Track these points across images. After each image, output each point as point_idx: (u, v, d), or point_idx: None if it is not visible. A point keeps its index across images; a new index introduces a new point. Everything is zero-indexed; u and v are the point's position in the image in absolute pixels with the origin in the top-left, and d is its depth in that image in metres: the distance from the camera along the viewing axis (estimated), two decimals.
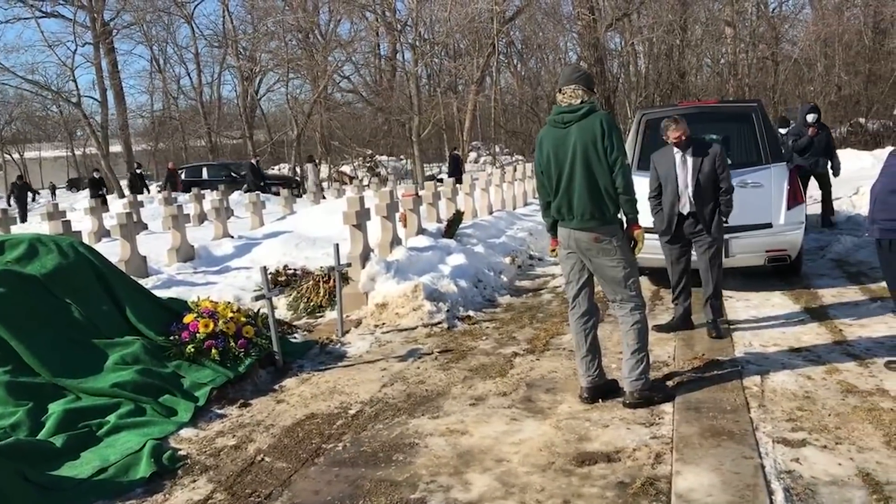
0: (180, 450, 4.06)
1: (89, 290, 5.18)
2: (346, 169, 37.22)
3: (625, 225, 4.20)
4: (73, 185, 45.77)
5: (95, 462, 3.83)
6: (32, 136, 56.37)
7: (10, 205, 21.58)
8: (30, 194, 23.98)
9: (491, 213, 11.80)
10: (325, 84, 33.81)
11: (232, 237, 10.79)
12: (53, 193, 33.79)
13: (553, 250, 4.51)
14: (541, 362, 5.23)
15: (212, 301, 5.48)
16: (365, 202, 7.69)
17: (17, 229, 13.17)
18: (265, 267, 5.60)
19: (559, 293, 7.57)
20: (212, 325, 5.15)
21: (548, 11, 32.05)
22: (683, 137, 5.48)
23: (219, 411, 4.63)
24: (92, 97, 37.69)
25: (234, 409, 4.69)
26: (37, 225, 16.31)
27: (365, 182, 27.80)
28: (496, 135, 34.87)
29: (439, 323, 6.48)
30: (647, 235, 4.40)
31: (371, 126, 41.35)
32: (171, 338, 5.15)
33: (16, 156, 55.19)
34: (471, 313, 6.80)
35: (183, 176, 25.43)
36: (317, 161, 28.31)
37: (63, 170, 55.62)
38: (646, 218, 4.88)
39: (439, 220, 9.73)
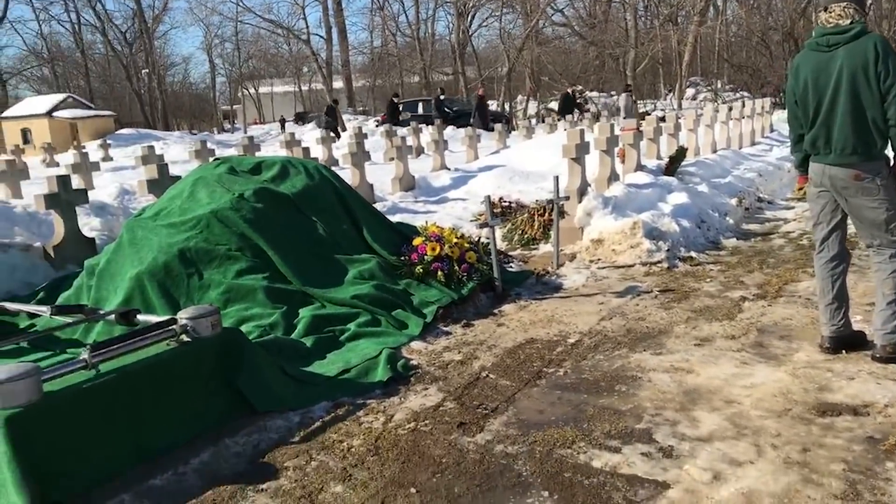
0: (412, 360, 4.36)
1: (332, 210, 5.64)
2: (555, 105, 36.79)
3: (891, 162, 3.76)
4: (300, 119, 49.38)
5: (339, 363, 4.22)
6: (265, 73, 61.79)
7: (323, 127, 23.45)
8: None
9: (714, 151, 11.11)
10: (537, 18, 33.35)
11: (448, 169, 11.15)
12: (283, 126, 36.77)
13: (800, 188, 4.16)
14: (773, 308, 4.92)
15: (438, 227, 5.74)
16: (585, 135, 7.55)
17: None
18: (489, 196, 5.74)
19: (792, 239, 7.02)
20: (438, 249, 5.41)
21: None
22: None
23: (444, 329, 4.90)
24: (319, 35, 40.26)
25: (458, 328, 4.93)
26: (273, 152, 17.92)
27: (574, 118, 27.26)
28: (719, 69, 32.44)
29: (659, 262, 6.29)
30: None
31: (582, 61, 40.27)
32: (402, 258, 5.49)
33: (251, 91, 60.77)
34: (692, 254, 6.52)
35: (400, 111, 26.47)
36: (631, 90, 28.03)
37: (291, 104, 60.55)
38: None
39: (659, 157, 9.34)
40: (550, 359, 4.27)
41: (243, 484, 3.04)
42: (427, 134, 13.72)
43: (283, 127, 36.82)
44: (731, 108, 12.54)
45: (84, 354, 3.20)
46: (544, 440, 3.23)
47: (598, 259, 6.55)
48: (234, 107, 64.28)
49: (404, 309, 4.96)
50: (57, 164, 20.09)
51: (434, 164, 11.28)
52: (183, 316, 3.61)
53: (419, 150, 14.75)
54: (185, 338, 3.59)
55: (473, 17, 38.06)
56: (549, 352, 4.38)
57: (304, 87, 58.83)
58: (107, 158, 22.49)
